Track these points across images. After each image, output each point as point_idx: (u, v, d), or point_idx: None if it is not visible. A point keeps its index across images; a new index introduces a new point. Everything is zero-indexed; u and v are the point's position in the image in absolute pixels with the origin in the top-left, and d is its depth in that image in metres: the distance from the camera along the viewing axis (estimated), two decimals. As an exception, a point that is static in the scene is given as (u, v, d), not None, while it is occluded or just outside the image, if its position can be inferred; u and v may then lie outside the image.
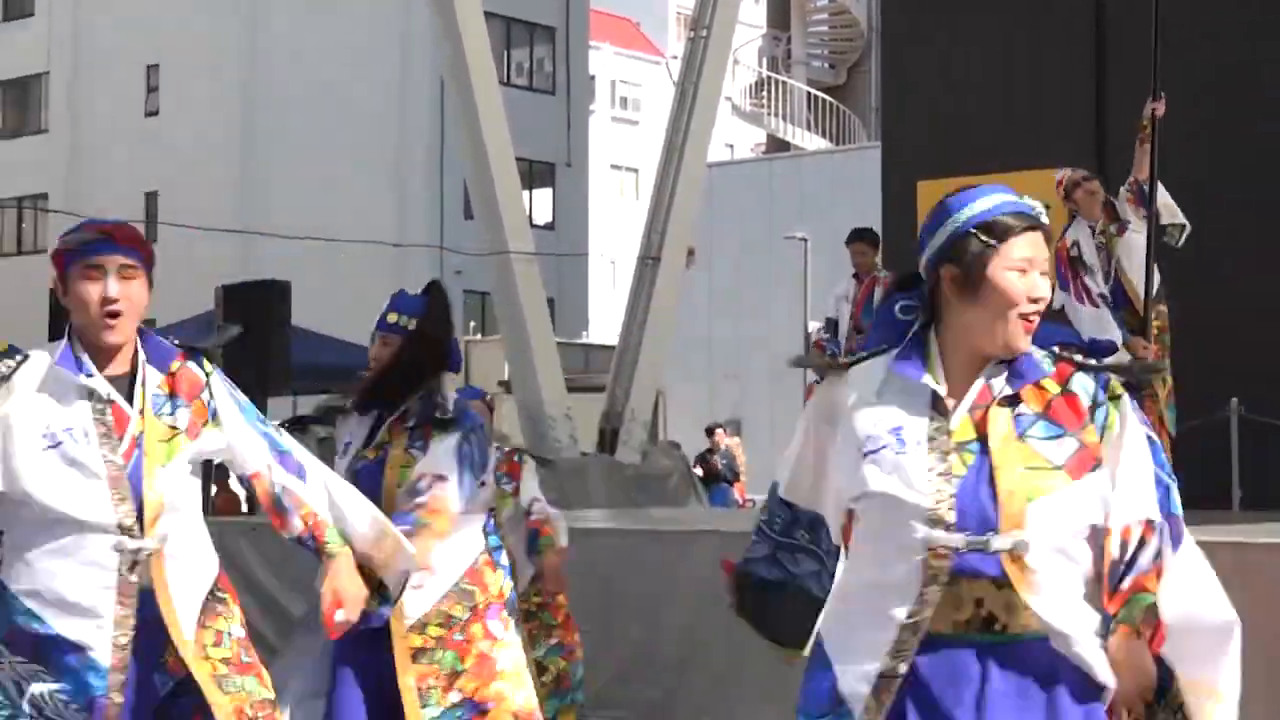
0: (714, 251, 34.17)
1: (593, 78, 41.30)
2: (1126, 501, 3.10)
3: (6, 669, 3.79)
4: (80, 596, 3.77)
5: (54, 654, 3.77)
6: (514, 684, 5.19)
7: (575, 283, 37.97)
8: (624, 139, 42.76)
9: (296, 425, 5.37)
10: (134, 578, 3.80)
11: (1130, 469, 3.11)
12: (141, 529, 3.82)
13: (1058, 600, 3.05)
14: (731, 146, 44.22)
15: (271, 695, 4.00)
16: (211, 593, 3.97)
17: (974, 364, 3.16)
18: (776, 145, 42.82)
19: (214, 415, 4.05)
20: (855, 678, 3.12)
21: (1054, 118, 11.92)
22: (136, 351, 4.05)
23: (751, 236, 35.67)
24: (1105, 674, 3.06)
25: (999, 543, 3.03)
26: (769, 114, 42.22)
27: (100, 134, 40.10)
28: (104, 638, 3.77)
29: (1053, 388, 3.13)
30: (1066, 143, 11.65)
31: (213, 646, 3.91)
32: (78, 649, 3.76)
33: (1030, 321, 3.11)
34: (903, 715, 3.09)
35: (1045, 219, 3.20)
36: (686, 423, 29.55)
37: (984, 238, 3.15)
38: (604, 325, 36.59)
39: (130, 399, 3.95)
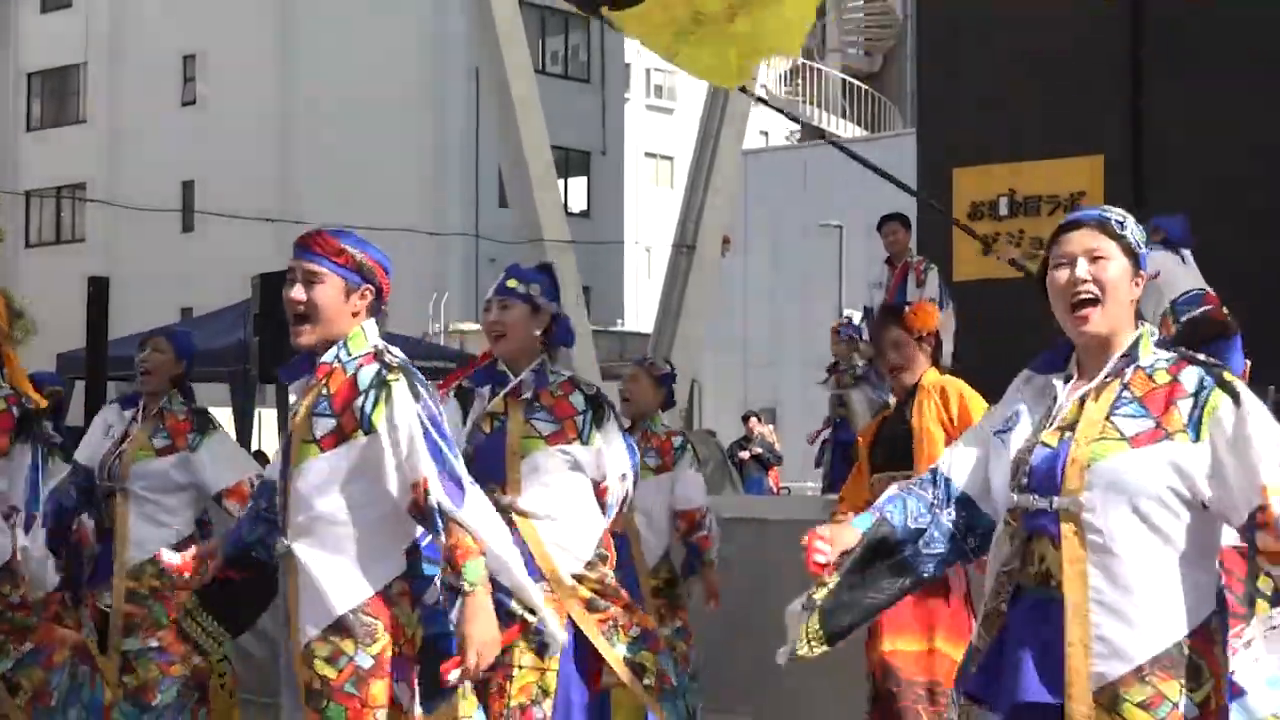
0: (749, 239, 34.12)
1: (628, 65, 41.25)
2: (1260, 467, 3.24)
3: None
4: None
5: None
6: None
7: (610, 271, 37.97)
8: (659, 127, 42.70)
9: None
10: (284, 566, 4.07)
11: (1256, 437, 3.26)
12: (283, 530, 4.07)
13: (1111, 567, 3.28)
14: (766, 134, 44.11)
15: None
16: (354, 612, 3.94)
17: (1101, 360, 3.46)
18: (812, 133, 42.72)
19: (367, 425, 3.97)
20: (980, 614, 3.57)
21: (1090, 105, 11.86)
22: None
23: (786, 224, 35.59)
24: (1136, 646, 3.24)
25: (1058, 503, 3.34)
26: (804, 101, 42.11)
27: (138, 123, 40.24)
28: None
29: (1162, 378, 3.39)
30: (1102, 129, 11.60)
31: (323, 661, 3.94)
32: None
33: (1080, 308, 3.41)
34: (1001, 645, 3.43)
35: (1103, 212, 3.52)
36: (721, 411, 29.53)
37: (1045, 253, 3.55)
38: (639, 313, 36.58)
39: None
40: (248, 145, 37.79)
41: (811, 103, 41.62)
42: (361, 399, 3.97)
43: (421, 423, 3.93)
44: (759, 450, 20.31)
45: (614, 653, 5.08)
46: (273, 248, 31.81)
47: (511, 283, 5.29)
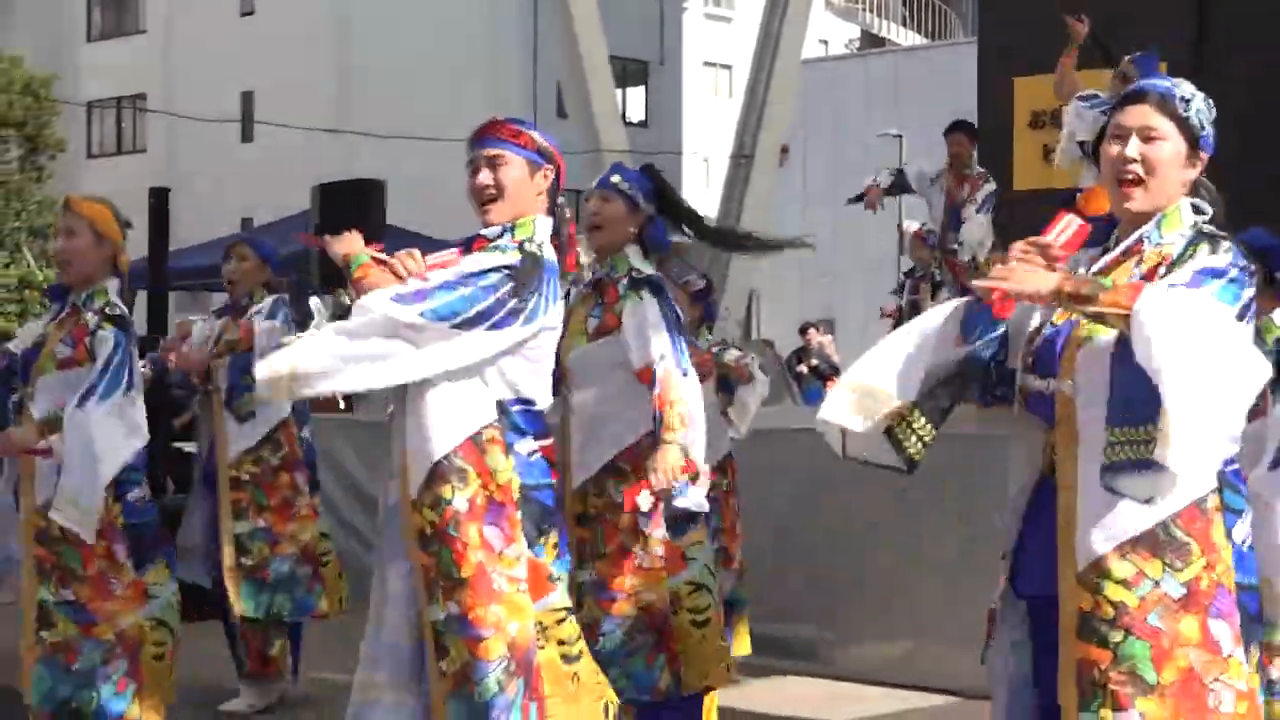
0: (808, 149, 33.99)
1: (686, -27, 41.00)
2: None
3: None
4: None
5: None
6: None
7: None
8: (718, 36, 42.41)
9: None
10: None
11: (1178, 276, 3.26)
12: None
13: (1094, 445, 3.25)
14: (825, 42, 43.75)
15: (461, 574, 4.00)
16: (447, 458, 4.04)
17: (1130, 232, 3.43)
18: (871, 41, 42.37)
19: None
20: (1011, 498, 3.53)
21: (1153, 10, 11.71)
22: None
23: (845, 134, 35.41)
24: (1118, 525, 3.25)
25: (1052, 385, 3.35)
26: (864, 9, 41.76)
27: (197, 34, 40.28)
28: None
29: (1167, 251, 3.36)
30: (1166, 35, 11.46)
31: (428, 507, 4.03)
32: None
33: (1125, 185, 3.38)
34: (1021, 534, 3.47)
35: (1170, 87, 3.46)
36: (779, 321, 29.52)
37: (1107, 116, 3.51)
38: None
39: None
40: (306, 55, 37.78)
41: (872, 10, 41.26)
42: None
43: None
44: (816, 362, 20.24)
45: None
46: (332, 157, 31.88)
47: (615, 179, 5.43)
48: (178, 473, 9.79)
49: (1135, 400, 3.15)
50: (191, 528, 7.15)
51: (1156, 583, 3.22)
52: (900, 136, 32.63)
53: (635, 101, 38.58)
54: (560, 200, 4.35)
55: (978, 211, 10.52)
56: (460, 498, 4.02)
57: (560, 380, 4.91)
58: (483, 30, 36.02)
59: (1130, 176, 3.38)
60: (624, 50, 32.68)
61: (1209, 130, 3.46)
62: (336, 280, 11.93)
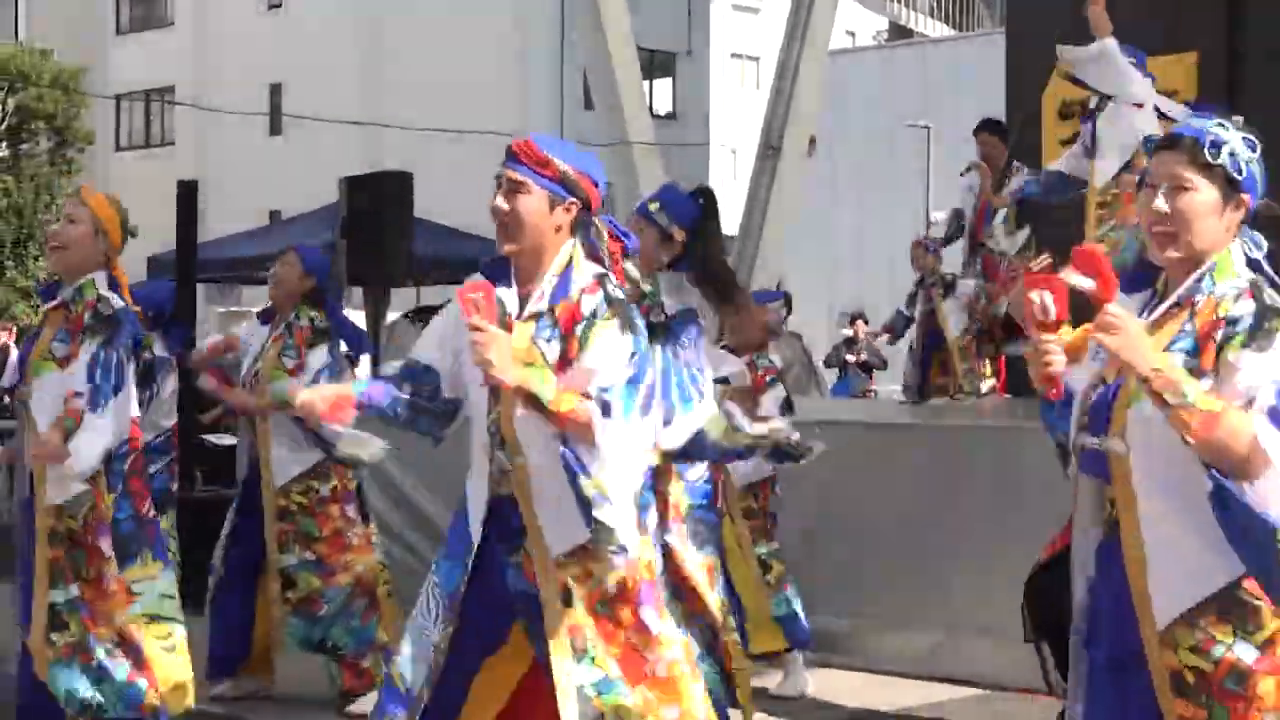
0: (835, 141, 33.89)
1: (714, -35, 40.94)
2: (1241, 385, 3.18)
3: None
4: (474, 475, 4.08)
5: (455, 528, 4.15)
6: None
7: (695, 173, 37.79)
8: (745, 27, 42.34)
9: (419, 315, 5.43)
10: (498, 475, 4.00)
11: (1246, 369, 3.18)
12: (502, 444, 3.99)
13: (1160, 506, 3.24)
14: (853, 34, 43.65)
15: (607, 653, 3.98)
16: (598, 538, 3.97)
17: (1180, 281, 3.36)
18: (899, 32, 42.25)
19: (582, 348, 3.97)
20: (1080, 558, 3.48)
21: (1184, 1, 11.64)
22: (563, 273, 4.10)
23: (873, 125, 35.33)
24: (1185, 589, 3.23)
25: (1104, 443, 3.29)
26: (891, 0, 41.64)
27: (225, 26, 40.37)
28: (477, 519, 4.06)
29: (1225, 309, 3.26)
30: (1199, 26, 11.39)
31: (572, 579, 3.95)
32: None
33: (1160, 237, 3.31)
34: (1091, 591, 3.42)
35: (1202, 131, 3.33)
36: (807, 313, 29.47)
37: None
38: (724, 215, 36.43)
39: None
40: (333, 48, 37.83)
41: (900, 1, 41.12)
42: (582, 325, 3.98)
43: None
44: (865, 357, 20.00)
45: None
46: (360, 150, 31.94)
47: (652, 206, 5.47)
48: (206, 464, 9.81)
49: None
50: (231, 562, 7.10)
51: (1229, 646, 3.21)
52: (928, 128, 32.54)
53: (662, 93, 38.54)
54: (595, 221, 4.19)
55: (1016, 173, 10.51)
56: None
57: None
58: (510, 22, 36.02)
59: (1161, 231, 3.32)
60: (651, 41, 32.65)
61: (1250, 170, 3.33)
62: (364, 280, 11.98)
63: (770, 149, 17.19)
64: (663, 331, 4.79)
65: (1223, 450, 3.10)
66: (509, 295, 4.05)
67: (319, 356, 6.89)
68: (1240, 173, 3.31)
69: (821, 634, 7.69)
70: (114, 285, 5.46)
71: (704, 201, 5.56)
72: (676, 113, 38.60)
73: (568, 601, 3.94)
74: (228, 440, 9.71)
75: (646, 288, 4.88)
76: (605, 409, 3.84)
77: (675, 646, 4.03)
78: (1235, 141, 3.32)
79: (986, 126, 11.19)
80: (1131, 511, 3.26)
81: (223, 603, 7.04)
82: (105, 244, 5.46)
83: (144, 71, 42.02)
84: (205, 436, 10.00)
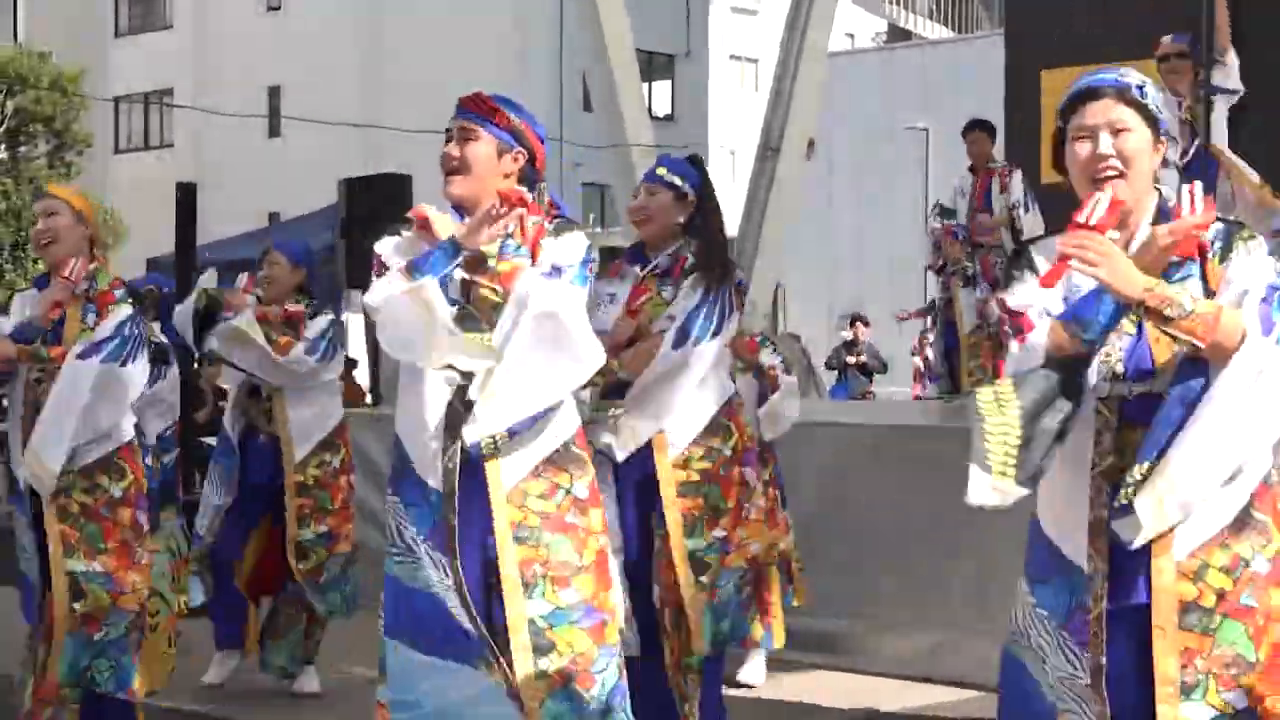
0: (834, 142, 33.92)
1: (712, -33, 40.96)
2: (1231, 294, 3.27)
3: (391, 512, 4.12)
4: (423, 427, 4.05)
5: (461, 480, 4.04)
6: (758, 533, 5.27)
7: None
8: (744, 29, 42.37)
9: None
10: (463, 410, 3.99)
11: (1242, 277, 3.28)
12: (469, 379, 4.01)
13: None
14: (852, 36, 43.68)
15: (582, 562, 4.07)
16: (566, 445, 4.10)
17: (1124, 229, 3.37)
18: (898, 34, 42.29)
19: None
20: (1069, 536, 3.37)
21: (1181, 4, 11.65)
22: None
23: (872, 127, 35.35)
24: (1213, 515, 3.25)
25: (1159, 386, 3.28)
26: (890, 2, 41.67)
27: (224, 29, 40.38)
28: (436, 465, 4.04)
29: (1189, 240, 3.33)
30: (1196, 29, 11.40)
31: (536, 497, 4.06)
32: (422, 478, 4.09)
33: (1107, 180, 3.34)
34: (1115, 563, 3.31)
35: (1121, 78, 3.41)
36: (806, 314, 29.49)
37: (1060, 122, 3.46)
38: (724, 217, 36.50)
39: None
40: (332, 50, 37.85)
41: (898, 3, 41.17)
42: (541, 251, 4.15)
43: None
44: (865, 359, 20.03)
45: (682, 544, 5.19)
46: (359, 152, 31.94)
47: (660, 169, 5.52)
48: (203, 466, 9.82)
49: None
50: (230, 539, 7.12)
51: (1248, 563, 3.29)
52: (927, 130, 32.56)
53: (661, 95, 38.55)
54: (541, 184, 4.31)
55: (1026, 211, 10.53)
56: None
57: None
58: (509, 24, 36.04)
59: (1112, 173, 3.35)
60: (650, 43, 32.68)
61: (1166, 115, 3.44)
62: (365, 280, 11.98)
63: (769, 150, 17.20)
64: None
65: (1221, 349, 3.18)
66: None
67: (319, 324, 7.04)
68: (1160, 113, 3.41)
69: (821, 634, 7.70)
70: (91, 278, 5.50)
71: (699, 166, 5.64)
72: (675, 114, 38.61)
73: (519, 538, 4.02)
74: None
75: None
76: (556, 272, 4.03)
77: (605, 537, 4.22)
78: (1151, 86, 3.44)
79: (975, 125, 11.27)
80: None
81: (225, 581, 7.09)
82: (88, 229, 5.50)
83: (143, 74, 42.02)
84: (202, 439, 10.03)
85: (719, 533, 5.26)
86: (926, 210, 31.55)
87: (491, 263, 4.11)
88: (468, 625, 4.01)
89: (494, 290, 4.09)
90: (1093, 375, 3.31)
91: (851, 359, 20.01)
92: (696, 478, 5.23)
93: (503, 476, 4.04)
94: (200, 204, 11.01)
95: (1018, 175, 10.70)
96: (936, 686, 7.18)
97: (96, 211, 5.64)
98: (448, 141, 4.21)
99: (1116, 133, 3.37)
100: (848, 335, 20.82)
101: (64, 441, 5.17)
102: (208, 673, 7.09)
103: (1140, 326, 3.32)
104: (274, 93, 39.53)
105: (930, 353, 11.46)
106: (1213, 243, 3.34)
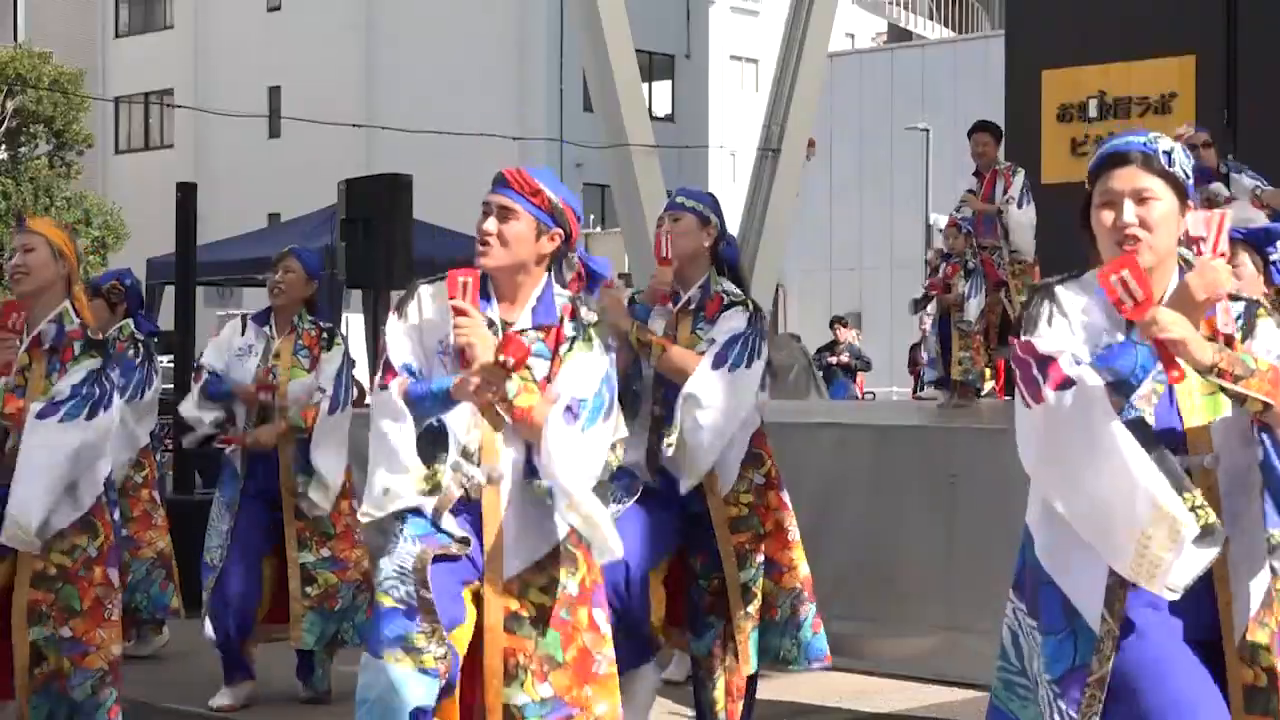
0: (834, 143, 33.92)
1: (713, -33, 40.95)
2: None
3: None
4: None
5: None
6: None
7: (695, 175, 37.82)
8: (744, 30, 42.34)
9: None
10: (458, 495, 4.13)
11: (1275, 343, 3.33)
12: (479, 458, 4.12)
13: (1237, 515, 3.30)
14: (852, 36, 43.65)
15: (562, 659, 4.14)
16: (564, 541, 4.17)
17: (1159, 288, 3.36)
18: (898, 34, 42.28)
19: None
20: (1089, 596, 3.31)
21: (1182, 3, 11.66)
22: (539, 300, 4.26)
23: (872, 127, 35.34)
24: (1256, 594, 3.30)
25: (1189, 462, 3.28)
26: (891, 2, 41.66)
27: (224, 29, 40.38)
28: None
29: (1219, 318, 3.33)
30: (1196, 29, 11.41)
31: (536, 590, 4.15)
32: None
33: (1128, 246, 3.32)
34: (1131, 620, 3.31)
35: (1150, 144, 3.39)
36: (806, 314, 29.50)
37: (1088, 185, 3.43)
38: (724, 217, 36.48)
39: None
40: (333, 51, 37.84)
41: (898, 4, 41.16)
42: (567, 345, 4.19)
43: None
44: (846, 358, 20.19)
45: (737, 578, 5.42)
46: (359, 153, 31.94)
47: (680, 198, 5.62)
48: (205, 467, 9.83)
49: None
50: (229, 570, 7.05)
51: (1276, 631, 3.32)
52: (927, 130, 32.54)
53: (662, 95, 38.54)
54: (571, 254, 4.37)
55: (1019, 207, 10.51)
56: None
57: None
58: (510, 25, 36.03)
59: (1132, 244, 3.34)
60: (650, 44, 32.66)
61: (1192, 179, 3.43)
62: (365, 281, 11.98)
63: (769, 151, 17.23)
64: None
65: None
66: (493, 313, 4.20)
67: (335, 359, 7.00)
68: (1188, 178, 3.40)
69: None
70: (79, 316, 5.44)
71: (716, 201, 5.76)
72: (675, 115, 38.59)
73: (510, 627, 4.12)
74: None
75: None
76: (572, 416, 4.03)
77: (611, 645, 4.26)
78: (1179, 151, 3.42)
79: (981, 127, 11.24)
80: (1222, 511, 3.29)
81: (227, 599, 7.02)
82: (65, 266, 5.43)
83: (143, 74, 42.02)
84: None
85: (761, 558, 5.52)
86: (927, 210, 31.56)
87: (513, 390, 4.09)
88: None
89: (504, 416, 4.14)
90: None
91: (834, 359, 20.20)
92: (745, 512, 5.51)
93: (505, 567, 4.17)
94: (200, 204, 10.99)
95: (1020, 175, 10.69)
96: (936, 686, 7.18)
97: (75, 252, 5.56)
98: (485, 216, 4.21)
99: (1142, 201, 3.36)
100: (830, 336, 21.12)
101: (42, 505, 5.13)
102: (218, 696, 7.06)
103: (1171, 392, 3.32)
104: (274, 93, 39.51)
105: (928, 346, 11.46)
106: (1236, 320, 3.35)
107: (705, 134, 38.43)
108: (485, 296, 4.20)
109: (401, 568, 4.06)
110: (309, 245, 15.66)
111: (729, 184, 37.34)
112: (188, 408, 7.06)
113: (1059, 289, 3.44)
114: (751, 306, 5.46)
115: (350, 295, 17.38)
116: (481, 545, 4.13)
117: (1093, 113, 11.79)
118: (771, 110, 17.45)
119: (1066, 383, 3.19)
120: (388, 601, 4.04)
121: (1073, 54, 11.82)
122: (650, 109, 26.99)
